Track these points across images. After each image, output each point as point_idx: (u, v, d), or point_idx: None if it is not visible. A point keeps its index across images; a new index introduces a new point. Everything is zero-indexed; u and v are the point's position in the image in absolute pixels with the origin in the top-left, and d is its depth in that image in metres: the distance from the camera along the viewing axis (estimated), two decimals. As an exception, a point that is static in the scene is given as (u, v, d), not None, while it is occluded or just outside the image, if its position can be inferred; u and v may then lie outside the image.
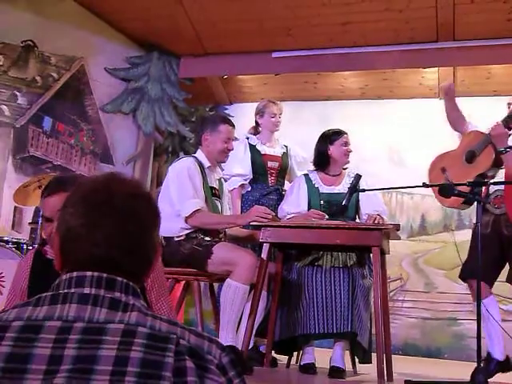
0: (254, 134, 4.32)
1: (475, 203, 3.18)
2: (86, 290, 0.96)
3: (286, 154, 4.32)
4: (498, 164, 3.47)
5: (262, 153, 4.21)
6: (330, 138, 3.80)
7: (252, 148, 4.21)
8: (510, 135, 3.50)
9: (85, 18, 6.04)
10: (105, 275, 0.98)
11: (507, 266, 3.52)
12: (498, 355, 3.35)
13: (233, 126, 3.65)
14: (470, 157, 3.57)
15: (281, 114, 4.33)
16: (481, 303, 3.01)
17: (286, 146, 4.38)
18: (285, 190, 4.23)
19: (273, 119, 4.29)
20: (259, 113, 4.34)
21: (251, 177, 4.16)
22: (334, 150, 3.76)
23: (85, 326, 0.91)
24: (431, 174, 3.82)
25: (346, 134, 3.85)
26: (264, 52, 6.31)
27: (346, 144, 3.79)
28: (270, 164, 4.23)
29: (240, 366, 2.67)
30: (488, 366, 3.29)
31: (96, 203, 1.03)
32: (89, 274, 0.97)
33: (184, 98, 6.72)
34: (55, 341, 0.89)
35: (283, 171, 4.29)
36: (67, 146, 5.90)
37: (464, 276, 3.53)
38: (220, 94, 7.14)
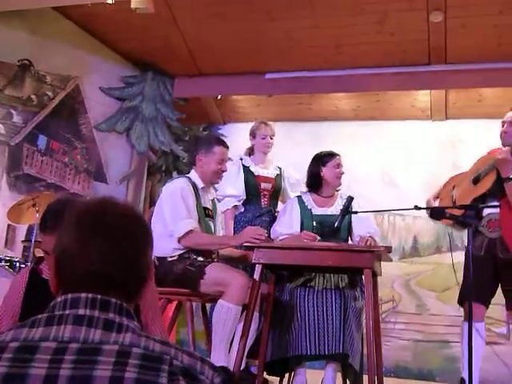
0: (249, 155, 4.36)
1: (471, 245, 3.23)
2: (81, 312, 0.97)
3: (279, 176, 4.35)
4: (501, 191, 3.47)
5: (256, 174, 4.24)
6: (322, 159, 3.82)
7: (245, 169, 4.24)
8: None
9: (80, 37, 6.09)
10: (99, 297, 0.99)
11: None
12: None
13: (227, 147, 3.67)
14: (476, 179, 3.63)
15: (273, 135, 4.36)
16: (472, 325, 3.02)
17: (280, 168, 4.41)
18: (278, 212, 4.24)
19: (263, 141, 4.32)
20: (252, 134, 4.39)
21: (244, 198, 4.18)
22: (326, 171, 3.78)
23: (80, 346, 0.92)
24: (444, 188, 3.88)
25: (339, 155, 3.86)
26: (258, 73, 6.38)
27: (339, 166, 3.80)
28: (263, 185, 4.25)
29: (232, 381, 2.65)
30: None
31: (89, 223, 1.05)
32: (83, 295, 0.99)
33: (178, 117, 6.75)
34: (51, 361, 0.90)
35: (276, 192, 4.32)
36: (61, 165, 5.91)
37: (461, 300, 3.57)
38: (214, 114, 7.18)
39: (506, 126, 3.72)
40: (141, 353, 0.92)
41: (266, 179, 4.29)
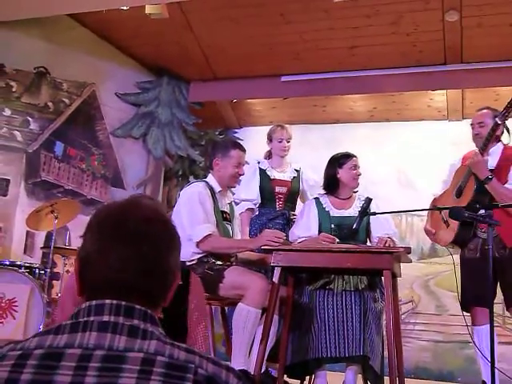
0: (268, 159, 4.37)
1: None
2: (105, 318, 0.97)
3: (296, 179, 4.34)
4: (484, 195, 3.47)
5: (272, 178, 4.24)
6: (338, 161, 3.80)
7: (262, 172, 4.25)
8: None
9: (95, 44, 6.14)
10: (123, 303, 0.99)
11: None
12: None
13: (244, 150, 3.68)
14: (459, 192, 3.62)
15: (289, 138, 4.35)
16: (494, 329, 2.99)
17: (298, 171, 4.40)
18: (293, 215, 4.24)
19: (280, 144, 4.31)
20: (268, 137, 4.39)
21: (259, 201, 4.19)
22: (342, 173, 3.77)
23: (105, 353, 0.92)
24: (431, 215, 3.84)
25: (355, 157, 3.84)
26: (273, 76, 6.39)
27: (355, 167, 3.78)
28: (277, 189, 4.25)
29: None
30: None
31: (110, 228, 1.05)
32: (108, 301, 0.99)
33: (194, 122, 6.78)
34: (76, 368, 0.90)
35: (292, 196, 4.31)
36: (78, 171, 5.96)
37: (463, 307, 3.58)
38: (229, 118, 7.19)
39: (475, 128, 3.71)
40: (165, 361, 0.92)
41: (282, 183, 4.28)
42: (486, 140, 3.48)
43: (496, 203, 3.31)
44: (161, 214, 1.11)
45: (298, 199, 4.42)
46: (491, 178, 3.41)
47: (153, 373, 0.90)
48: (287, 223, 4.12)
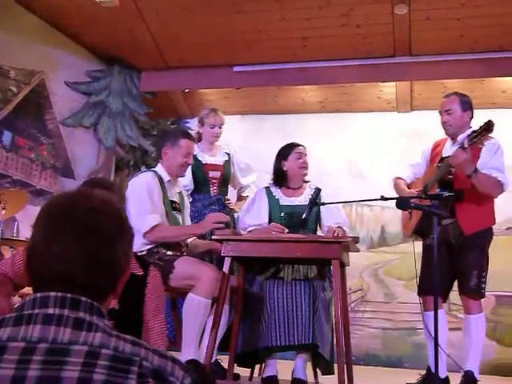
0: (197, 142, 4.18)
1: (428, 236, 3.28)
2: (50, 311, 0.95)
3: (228, 162, 4.29)
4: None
5: (203, 162, 4.18)
6: (283, 153, 3.80)
7: (193, 157, 4.16)
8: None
9: (46, 32, 5.99)
10: (69, 295, 0.97)
11: None
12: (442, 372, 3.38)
13: (193, 140, 3.65)
14: (424, 191, 3.62)
15: (221, 124, 4.26)
16: (438, 315, 3.06)
17: (228, 154, 4.34)
18: (227, 199, 4.20)
19: (212, 130, 4.24)
20: (200, 121, 4.29)
21: (192, 187, 4.13)
22: (288, 165, 3.76)
23: (49, 346, 0.91)
24: (403, 216, 3.89)
25: (301, 146, 3.81)
26: (225, 66, 6.36)
27: (301, 156, 3.76)
28: (211, 174, 4.19)
29: (201, 380, 2.64)
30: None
31: (56, 218, 1.03)
32: (53, 294, 0.97)
33: (145, 111, 6.70)
34: (18, 362, 0.89)
35: (226, 180, 4.26)
36: (27, 161, 5.81)
37: (419, 293, 3.64)
38: (181, 108, 7.16)
39: (443, 115, 3.73)
40: (110, 354, 0.91)
41: (215, 167, 4.21)
42: (467, 142, 3.38)
43: (440, 194, 3.36)
44: (110, 205, 1.08)
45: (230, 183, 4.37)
46: (476, 172, 3.41)
47: (97, 365, 0.89)
48: (223, 208, 4.08)
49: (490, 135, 3.38)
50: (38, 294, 0.98)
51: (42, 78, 6.02)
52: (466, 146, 3.34)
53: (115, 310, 2.12)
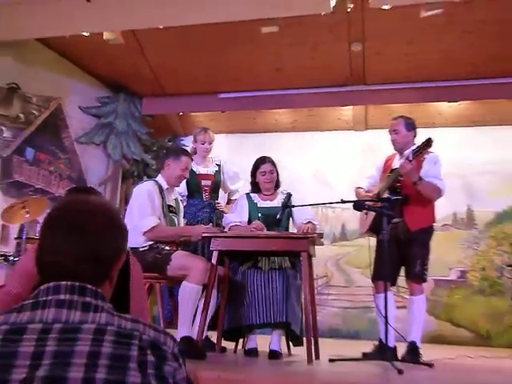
0: (192, 155, 4.14)
1: (380, 233, 3.33)
2: (62, 297, 0.96)
3: (218, 172, 4.28)
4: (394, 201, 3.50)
5: (197, 172, 4.16)
6: (253, 169, 3.79)
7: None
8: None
9: (61, 63, 5.97)
10: (77, 284, 0.98)
11: None
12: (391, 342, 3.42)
13: (191, 158, 3.69)
14: (378, 196, 3.63)
15: (211, 141, 4.24)
16: (387, 296, 3.12)
17: (219, 165, 4.32)
18: (218, 203, 4.22)
19: (202, 146, 4.21)
20: (193, 138, 4.28)
21: (186, 194, 4.14)
22: (257, 179, 3.78)
23: (62, 326, 0.91)
24: (360, 217, 3.88)
25: (266, 163, 3.75)
26: (212, 93, 6.38)
27: (265, 173, 3.73)
28: (203, 182, 4.17)
29: (193, 353, 2.65)
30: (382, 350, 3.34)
31: (58, 221, 1.03)
32: (63, 283, 0.97)
33: (146, 131, 6.70)
34: (37, 340, 0.89)
35: (216, 187, 4.25)
36: (47, 172, 5.78)
37: (373, 279, 3.67)
38: (176, 128, 7.15)
39: (392, 134, 3.74)
40: (115, 330, 0.92)
41: (206, 176, 4.20)
42: (412, 156, 3.42)
43: (391, 198, 3.41)
44: (104, 208, 1.08)
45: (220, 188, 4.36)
46: (421, 180, 3.44)
47: (104, 340, 0.90)
48: (213, 211, 4.10)
49: (430, 150, 3.44)
50: (51, 284, 0.98)
51: (59, 103, 6.00)
52: (411, 158, 3.40)
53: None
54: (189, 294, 3.14)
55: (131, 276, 2.20)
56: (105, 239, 1.04)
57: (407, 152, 3.62)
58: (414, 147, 3.54)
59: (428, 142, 3.32)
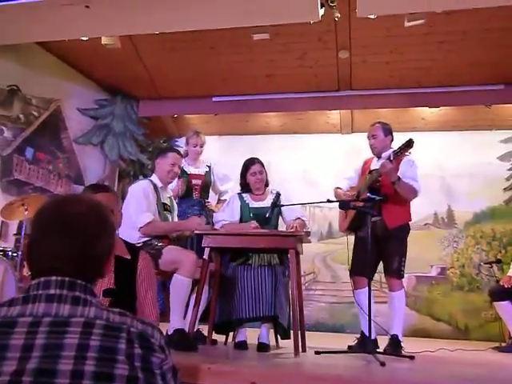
0: (185, 156, 4.20)
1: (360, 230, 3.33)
2: (52, 291, 0.94)
3: (208, 173, 4.29)
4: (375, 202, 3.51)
5: (188, 173, 4.17)
6: (243, 170, 3.76)
7: (180, 169, 4.12)
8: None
9: (61, 67, 5.92)
10: (67, 279, 0.96)
11: None
12: (372, 335, 3.43)
13: (180, 154, 3.64)
14: (357, 195, 3.62)
15: (202, 144, 4.24)
16: (371, 292, 3.12)
17: (209, 166, 4.33)
18: (207, 202, 4.21)
19: (194, 148, 4.23)
20: (186, 141, 4.30)
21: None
22: (248, 179, 3.75)
23: (52, 319, 0.90)
24: (340, 216, 3.86)
25: (255, 164, 3.71)
26: (206, 97, 6.36)
27: (255, 174, 3.69)
28: (194, 181, 4.18)
29: (185, 345, 2.62)
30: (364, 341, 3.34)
31: (46, 220, 1.01)
32: (53, 278, 0.96)
33: (142, 132, 6.66)
34: (27, 333, 0.88)
35: (206, 187, 4.26)
36: (46, 171, 5.72)
37: (351, 274, 3.67)
38: (171, 129, 7.13)
39: (370, 139, 3.74)
40: (103, 324, 0.91)
41: (197, 176, 4.21)
42: (393, 156, 3.42)
43: (373, 197, 3.41)
44: (93, 207, 1.06)
45: (211, 189, 4.37)
46: (399, 180, 3.44)
47: (92, 333, 0.89)
48: (203, 209, 4.09)
49: (410, 151, 3.43)
50: (42, 279, 0.96)
51: (59, 105, 5.95)
52: (391, 158, 3.40)
53: (113, 289, 2.08)
54: (180, 286, 3.12)
55: (139, 269, 2.20)
56: (96, 239, 1.02)
57: (385, 155, 3.64)
58: (392, 150, 3.54)
59: (409, 143, 3.33)
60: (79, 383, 0.84)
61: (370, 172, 3.71)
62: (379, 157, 3.72)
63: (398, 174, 3.48)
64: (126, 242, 2.38)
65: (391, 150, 3.57)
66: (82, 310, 0.93)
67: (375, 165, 3.72)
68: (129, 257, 2.27)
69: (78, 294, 0.96)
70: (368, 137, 3.78)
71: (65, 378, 0.84)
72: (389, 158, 3.41)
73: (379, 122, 3.81)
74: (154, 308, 2.25)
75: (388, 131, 3.75)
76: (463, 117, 6.31)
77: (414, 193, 3.56)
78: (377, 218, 3.54)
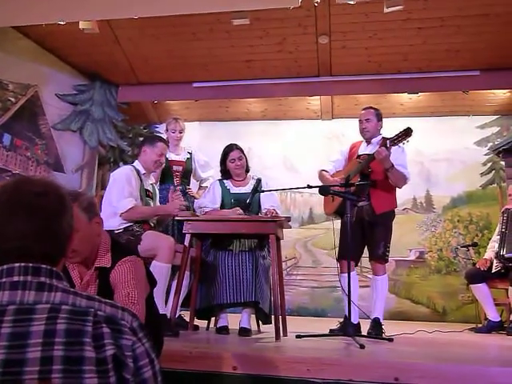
0: None
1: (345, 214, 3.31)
2: (15, 278, 0.92)
3: (189, 159, 4.27)
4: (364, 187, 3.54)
5: (169, 159, 4.14)
6: (223, 156, 3.74)
7: None
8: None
9: (39, 52, 5.78)
10: (31, 264, 0.94)
11: None
12: (355, 319, 3.46)
13: (167, 145, 3.64)
14: (347, 179, 3.62)
15: (181, 130, 4.22)
16: (351, 276, 3.14)
17: (190, 153, 4.31)
18: (189, 188, 4.20)
19: (173, 134, 4.22)
20: (166, 127, 4.29)
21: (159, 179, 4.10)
22: (228, 165, 3.73)
23: (17, 307, 0.88)
24: (325, 198, 3.83)
25: (234, 151, 3.68)
26: (186, 82, 6.28)
27: (234, 160, 3.67)
28: (174, 168, 4.17)
29: (167, 330, 2.55)
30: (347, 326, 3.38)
31: (5, 203, 0.98)
32: (17, 265, 0.94)
33: (122, 118, 6.56)
34: None
35: (187, 173, 4.24)
36: (24, 158, 5.61)
37: (338, 259, 3.66)
38: (151, 116, 7.04)
39: (363, 123, 3.74)
40: (69, 309, 0.90)
41: (178, 163, 4.20)
42: (390, 143, 3.41)
43: (352, 182, 3.42)
44: (50, 187, 1.03)
45: (192, 176, 4.35)
46: (393, 167, 3.45)
47: (58, 318, 0.87)
48: (184, 196, 4.07)
49: (408, 139, 3.41)
50: (5, 266, 0.94)
51: (36, 90, 5.81)
52: (388, 145, 3.41)
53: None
54: (159, 273, 3.08)
55: (111, 280, 2.04)
56: (58, 217, 1.00)
57: (375, 140, 3.66)
58: (388, 135, 3.56)
59: (407, 132, 3.33)
60: (49, 369, 0.83)
61: (358, 157, 3.71)
62: (368, 142, 3.73)
63: None
64: (114, 243, 2.19)
65: (380, 136, 3.59)
66: (48, 295, 0.91)
67: (363, 150, 3.72)
68: (109, 265, 2.15)
69: (43, 279, 0.93)
70: (360, 120, 3.76)
71: (34, 365, 0.82)
72: (385, 145, 3.42)
73: (371, 107, 3.82)
74: (134, 305, 2.12)
75: (380, 117, 3.78)
76: (441, 103, 6.36)
77: (405, 180, 3.58)
78: (365, 203, 3.55)
